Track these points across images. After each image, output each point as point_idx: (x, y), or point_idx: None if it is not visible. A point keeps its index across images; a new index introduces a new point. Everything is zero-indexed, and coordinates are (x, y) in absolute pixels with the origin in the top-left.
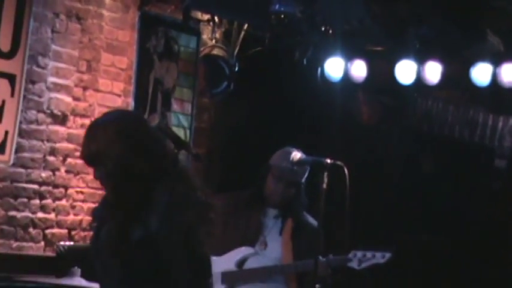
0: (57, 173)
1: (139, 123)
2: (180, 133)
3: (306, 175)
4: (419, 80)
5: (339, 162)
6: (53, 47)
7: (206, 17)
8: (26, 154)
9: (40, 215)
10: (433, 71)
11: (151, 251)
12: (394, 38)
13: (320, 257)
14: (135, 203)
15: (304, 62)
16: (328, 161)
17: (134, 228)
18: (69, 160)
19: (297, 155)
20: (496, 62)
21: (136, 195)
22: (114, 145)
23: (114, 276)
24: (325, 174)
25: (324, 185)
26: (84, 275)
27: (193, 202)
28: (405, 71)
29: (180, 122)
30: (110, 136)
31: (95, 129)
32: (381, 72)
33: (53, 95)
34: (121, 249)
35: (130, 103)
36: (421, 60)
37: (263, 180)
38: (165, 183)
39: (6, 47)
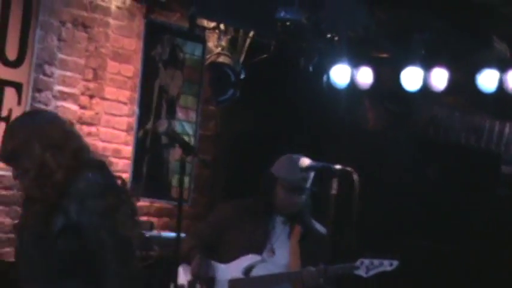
0: None
1: (53, 122)
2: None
3: (310, 181)
4: (425, 87)
5: (348, 168)
6: (59, 55)
7: (212, 24)
8: None
9: None
10: (439, 78)
11: (74, 239)
12: (399, 44)
13: (324, 265)
14: (54, 194)
15: (310, 69)
16: (338, 166)
17: (56, 217)
18: None
19: (304, 161)
20: (503, 68)
21: (54, 187)
22: (30, 144)
23: (39, 274)
24: (335, 180)
25: (334, 191)
26: None
27: (109, 187)
28: (411, 78)
29: (184, 129)
30: (26, 136)
31: (11, 129)
32: (387, 78)
33: (60, 103)
34: (44, 239)
35: (135, 111)
36: (427, 67)
37: (271, 189)
38: (83, 173)
39: (13, 56)
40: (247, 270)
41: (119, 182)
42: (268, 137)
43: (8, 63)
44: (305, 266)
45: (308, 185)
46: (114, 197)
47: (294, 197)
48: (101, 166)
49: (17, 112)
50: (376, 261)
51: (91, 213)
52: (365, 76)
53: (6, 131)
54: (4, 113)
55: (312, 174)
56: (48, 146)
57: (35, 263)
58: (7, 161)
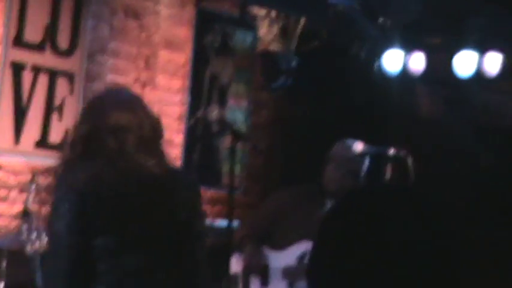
0: None
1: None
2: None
3: (365, 167)
4: (478, 72)
5: (402, 153)
6: (111, 44)
7: (263, 12)
8: None
9: None
10: (493, 63)
11: None
12: (452, 29)
13: None
14: None
15: (362, 56)
16: (392, 151)
17: None
18: None
19: (358, 145)
20: None
21: None
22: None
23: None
24: (389, 165)
25: (388, 176)
26: None
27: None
28: (464, 63)
29: (236, 117)
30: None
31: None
32: (440, 64)
33: None
34: None
35: (187, 99)
36: (480, 52)
37: (322, 170)
38: None
39: (65, 45)
40: (301, 257)
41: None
42: (321, 125)
43: (60, 53)
44: None
45: (359, 169)
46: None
47: (337, 173)
48: None
49: (69, 101)
50: None
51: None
52: (417, 62)
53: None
54: (57, 103)
55: (366, 160)
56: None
57: None
58: None
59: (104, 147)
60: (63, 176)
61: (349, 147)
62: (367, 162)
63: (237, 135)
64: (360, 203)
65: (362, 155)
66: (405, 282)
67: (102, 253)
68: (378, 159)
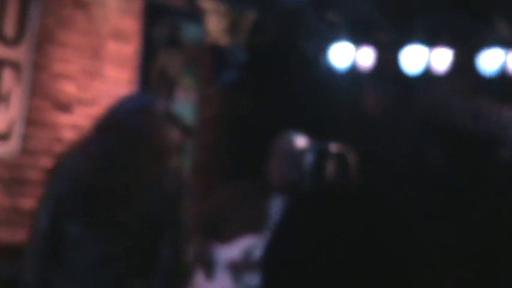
0: None
1: None
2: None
3: (308, 161)
4: (426, 69)
5: (343, 150)
6: (58, 34)
7: (212, 6)
8: None
9: None
10: (441, 59)
11: None
12: (401, 25)
13: None
14: None
15: (310, 51)
16: (334, 147)
17: None
18: None
19: (301, 139)
20: (506, 48)
21: None
22: None
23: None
24: (330, 161)
25: (329, 172)
26: None
27: None
28: (412, 59)
29: (184, 111)
30: None
31: None
32: (388, 60)
33: (57, 84)
34: None
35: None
36: (429, 48)
37: (267, 164)
38: None
39: (11, 35)
40: (247, 251)
41: None
42: (267, 120)
43: (6, 42)
44: None
45: (305, 163)
46: None
47: (281, 165)
48: None
49: (16, 92)
50: None
51: None
52: (366, 57)
53: None
54: (3, 92)
55: (309, 154)
56: None
57: None
58: None
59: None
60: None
61: (292, 141)
62: (309, 156)
63: (185, 130)
64: (313, 203)
65: (304, 149)
66: (355, 279)
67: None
68: (320, 155)
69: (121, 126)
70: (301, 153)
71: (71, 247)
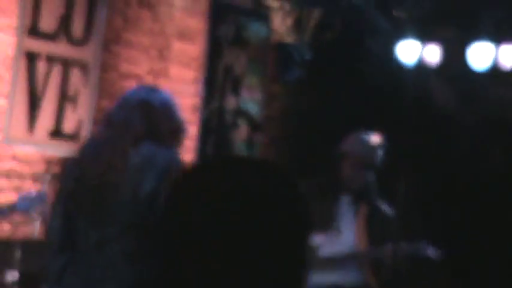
0: None
1: None
2: (250, 119)
3: (381, 157)
4: (494, 66)
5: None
6: (125, 34)
7: (277, 3)
8: None
9: None
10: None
11: None
12: (467, 21)
13: (392, 245)
14: None
15: (375, 48)
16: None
17: None
18: None
19: (374, 138)
20: None
21: None
22: None
23: None
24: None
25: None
26: None
27: None
28: (479, 56)
29: (249, 108)
30: None
31: None
32: (455, 57)
33: (125, 83)
34: None
35: (201, 90)
36: (496, 45)
37: (337, 166)
38: None
39: (79, 35)
40: (314, 249)
41: None
42: (334, 116)
43: (74, 43)
44: (372, 245)
45: (376, 161)
46: None
47: (360, 171)
48: None
49: (83, 92)
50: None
51: None
52: (432, 54)
53: None
54: (71, 93)
55: (381, 152)
56: None
57: None
58: None
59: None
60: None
61: (366, 141)
62: (381, 154)
63: (253, 126)
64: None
65: (377, 147)
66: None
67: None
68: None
69: (121, 122)
70: (375, 151)
71: (82, 243)
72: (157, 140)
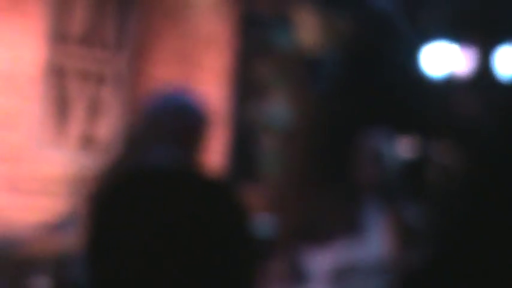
0: None
1: None
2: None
3: (399, 161)
4: None
5: (443, 157)
6: (154, 43)
7: (304, 14)
8: None
9: None
10: None
11: None
12: (495, 27)
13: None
14: None
15: (402, 55)
16: (435, 153)
17: None
18: None
19: (390, 139)
20: None
21: None
22: None
23: None
24: (430, 167)
25: (428, 176)
26: None
27: None
28: (505, 61)
29: (278, 118)
30: None
31: None
32: (483, 63)
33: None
34: None
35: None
36: None
37: (354, 164)
38: None
39: (110, 45)
40: (343, 255)
41: None
42: (362, 125)
43: (105, 52)
44: (397, 253)
45: (396, 161)
46: None
47: (376, 166)
48: None
49: (114, 101)
50: None
51: None
52: (461, 60)
53: None
54: (102, 102)
55: (402, 156)
56: None
57: None
58: None
59: None
60: None
61: (380, 141)
62: (399, 157)
63: (281, 138)
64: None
65: (396, 151)
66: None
67: None
68: (421, 161)
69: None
70: (392, 154)
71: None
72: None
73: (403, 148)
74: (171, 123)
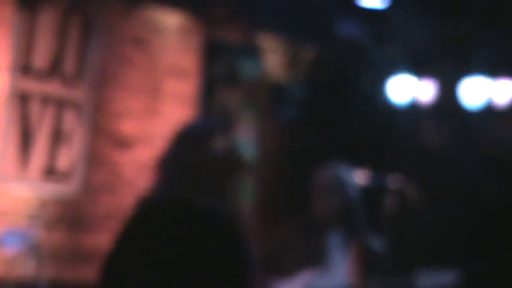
0: None
1: None
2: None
3: (358, 191)
4: (488, 102)
5: (402, 186)
6: (118, 73)
7: (271, 42)
8: None
9: None
10: (502, 92)
11: None
12: (460, 56)
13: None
14: None
15: (369, 85)
16: (392, 182)
17: None
18: None
19: (346, 170)
20: None
21: None
22: None
23: None
24: (389, 196)
25: (386, 208)
26: None
27: None
28: (472, 92)
29: (244, 147)
30: None
31: None
32: (448, 93)
33: (117, 121)
34: None
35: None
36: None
37: (312, 198)
38: None
39: (72, 74)
40: (309, 285)
41: None
42: (329, 154)
43: (67, 82)
44: (363, 282)
45: (349, 190)
46: None
47: (328, 197)
48: None
49: (77, 131)
50: (432, 273)
51: None
52: (425, 90)
53: None
54: (65, 131)
55: (357, 184)
56: None
57: None
58: None
59: None
60: None
61: (335, 173)
62: (358, 187)
63: (246, 166)
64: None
65: (354, 182)
66: None
67: None
68: (378, 190)
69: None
70: (349, 185)
71: None
72: None
73: (362, 177)
74: None
